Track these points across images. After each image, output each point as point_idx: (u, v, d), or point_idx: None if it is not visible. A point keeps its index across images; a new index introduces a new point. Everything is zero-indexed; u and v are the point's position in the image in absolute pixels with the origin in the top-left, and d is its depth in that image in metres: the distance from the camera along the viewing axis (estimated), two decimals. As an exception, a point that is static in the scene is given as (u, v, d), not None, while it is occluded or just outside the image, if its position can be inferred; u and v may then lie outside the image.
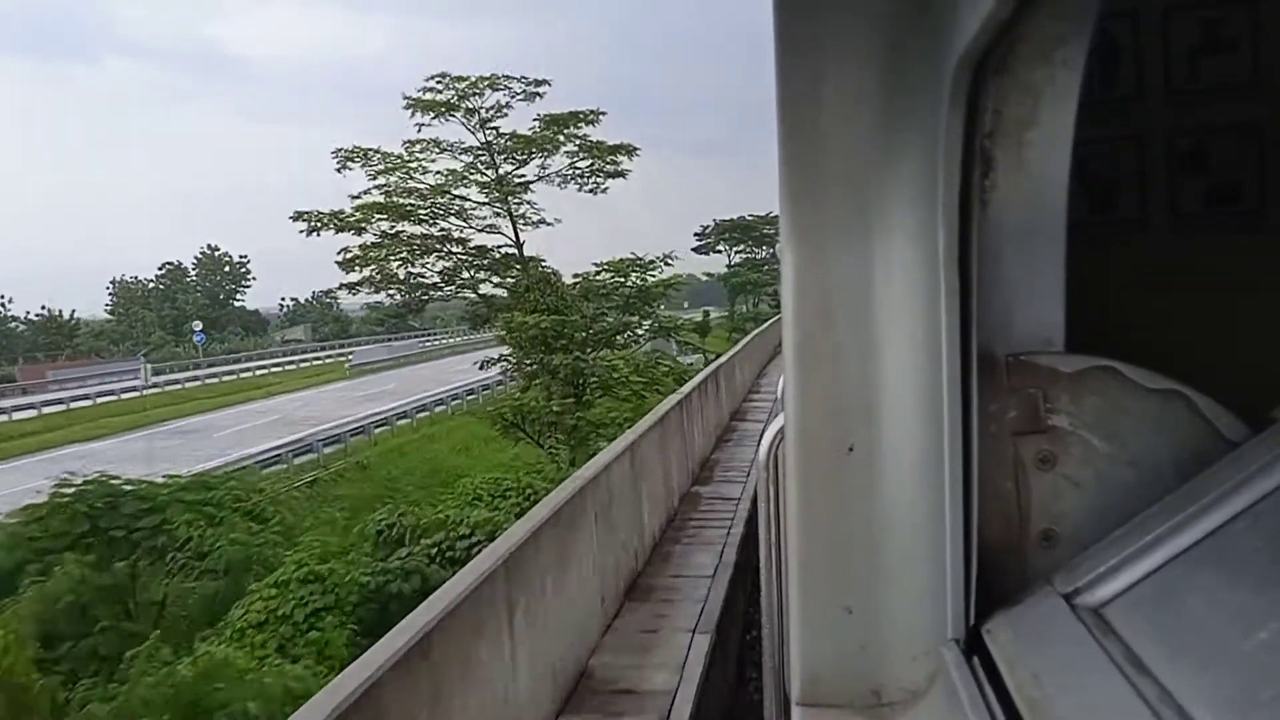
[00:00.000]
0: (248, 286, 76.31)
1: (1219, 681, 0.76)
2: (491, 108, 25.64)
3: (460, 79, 24.85)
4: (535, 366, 21.98)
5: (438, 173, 25.54)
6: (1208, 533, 0.90)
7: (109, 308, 73.78)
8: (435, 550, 13.00)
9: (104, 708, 8.32)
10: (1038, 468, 1.11)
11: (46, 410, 37.02)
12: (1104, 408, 1.09)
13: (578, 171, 27.41)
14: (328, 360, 58.05)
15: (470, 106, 25.30)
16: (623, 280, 24.50)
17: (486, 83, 24.80)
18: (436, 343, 67.92)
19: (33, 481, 17.63)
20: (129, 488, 13.20)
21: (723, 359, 20.23)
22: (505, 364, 24.03)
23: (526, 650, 5.13)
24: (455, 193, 25.80)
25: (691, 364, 32.17)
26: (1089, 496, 1.10)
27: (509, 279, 25.16)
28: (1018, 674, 0.94)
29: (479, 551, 6.09)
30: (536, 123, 25.96)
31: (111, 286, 75.73)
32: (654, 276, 25.46)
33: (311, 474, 24.04)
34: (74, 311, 67.78)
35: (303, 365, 56.39)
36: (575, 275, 24.82)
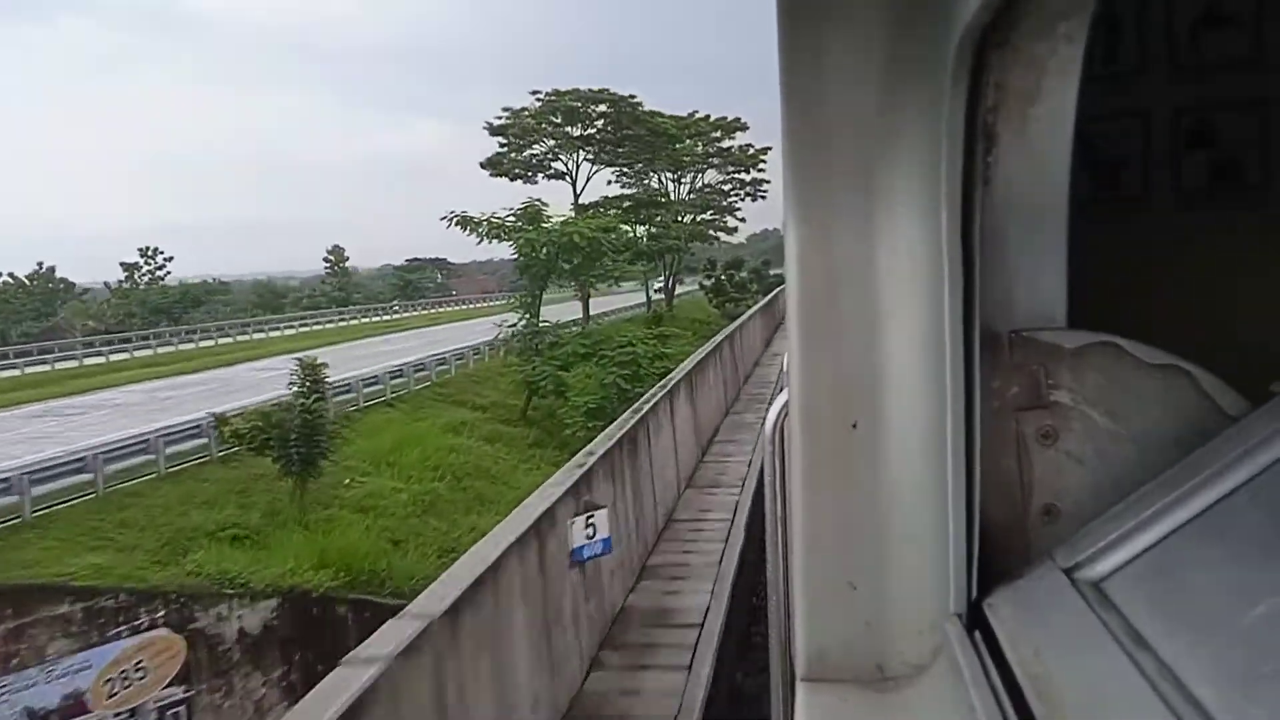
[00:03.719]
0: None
1: (1219, 655, 0.81)
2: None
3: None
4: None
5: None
6: (1208, 506, 0.95)
7: None
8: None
9: None
10: (1039, 443, 1.16)
11: None
12: (1105, 383, 1.15)
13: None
14: None
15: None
16: None
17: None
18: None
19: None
20: None
21: None
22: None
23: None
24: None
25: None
26: (1090, 471, 1.15)
27: None
28: (1019, 648, 1.00)
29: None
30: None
31: None
32: None
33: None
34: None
35: None
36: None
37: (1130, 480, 1.10)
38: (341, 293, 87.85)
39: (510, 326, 34.70)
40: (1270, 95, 1.54)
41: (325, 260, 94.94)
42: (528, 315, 34.50)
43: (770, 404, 1.53)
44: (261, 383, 32.02)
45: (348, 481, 23.46)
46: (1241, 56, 1.53)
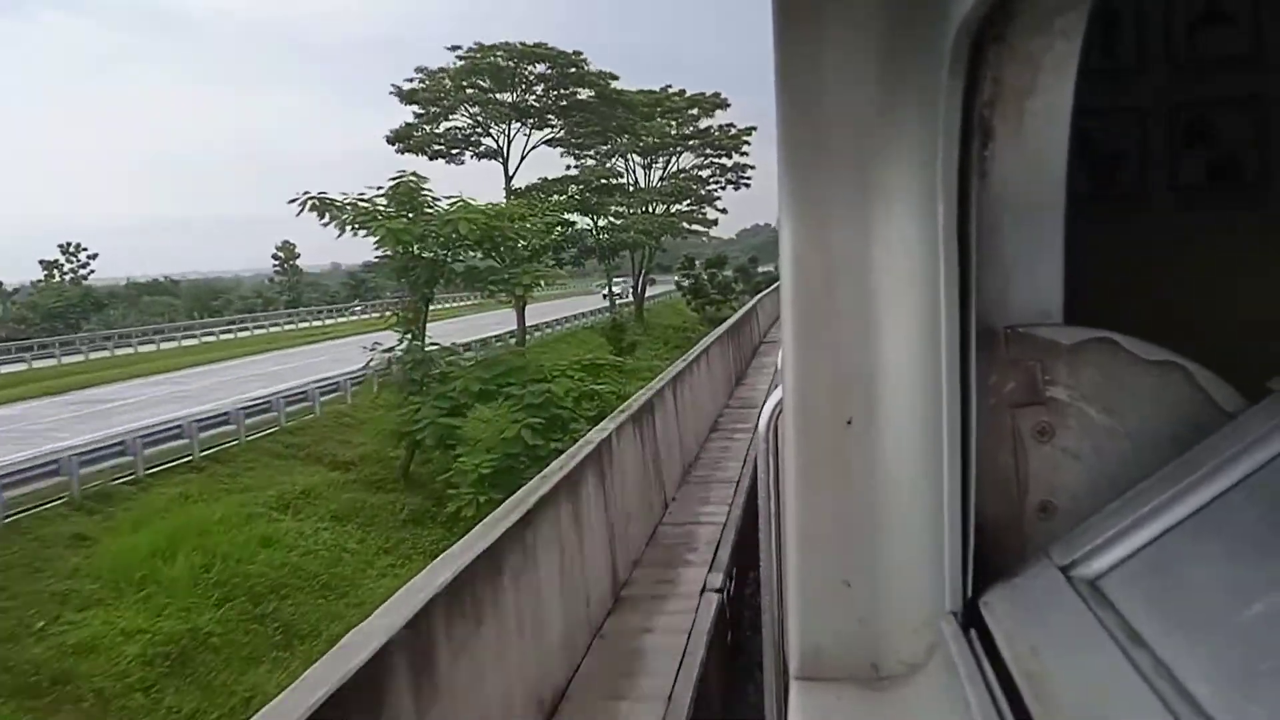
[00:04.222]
0: None
1: (1215, 653, 0.82)
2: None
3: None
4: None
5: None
6: (1204, 504, 0.96)
7: None
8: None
9: None
10: (1036, 439, 1.16)
11: None
12: (1102, 379, 1.15)
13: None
14: None
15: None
16: None
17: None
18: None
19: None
20: None
21: None
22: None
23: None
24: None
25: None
26: (1086, 468, 1.15)
27: None
28: (1015, 646, 1.00)
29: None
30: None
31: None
32: None
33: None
34: None
35: None
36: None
37: (1127, 477, 1.10)
38: (289, 294, 78.97)
39: (385, 352, 23.90)
40: (1267, 94, 1.56)
41: (274, 257, 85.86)
42: (409, 335, 23.70)
43: (765, 400, 1.48)
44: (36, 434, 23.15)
45: (40, 626, 14.43)
46: (1239, 55, 1.56)
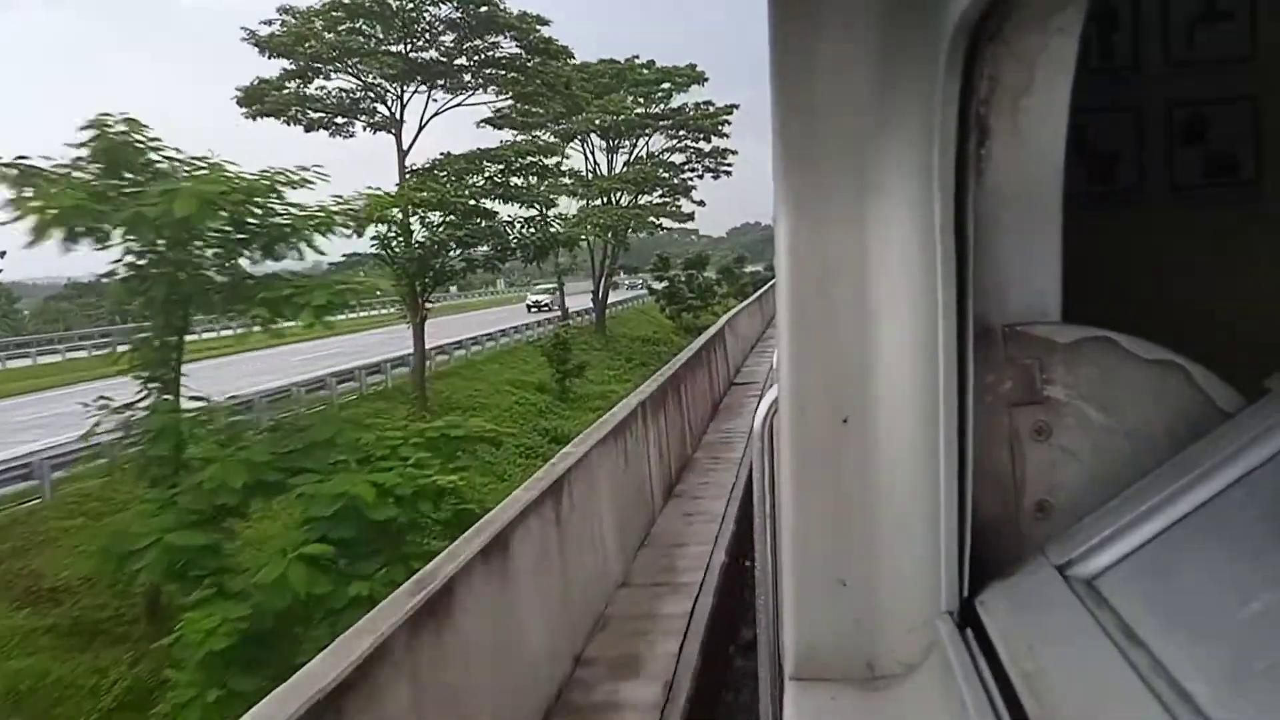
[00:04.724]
0: None
1: (1212, 652, 0.84)
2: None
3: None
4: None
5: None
6: (1201, 503, 0.98)
7: None
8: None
9: None
10: (1033, 438, 1.17)
11: None
12: (1100, 378, 1.16)
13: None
14: None
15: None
16: None
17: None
18: None
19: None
20: None
21: None
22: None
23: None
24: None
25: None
26: (1084, 467, 1.16)
27: None
28: (1012, 646, 1.02)
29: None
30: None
31: None
32: None
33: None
34: None
35: None
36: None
37: (1124, 476, 1.10)
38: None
39: (115, 410, 12.81)
40: (1264, 92, 1.57)
41: (215, 258, 76.83)
42: (155, 383, 13.22)
43: (761, 398, 1.51)
44: None
45: None
46: (1236, 53, 1.57)
